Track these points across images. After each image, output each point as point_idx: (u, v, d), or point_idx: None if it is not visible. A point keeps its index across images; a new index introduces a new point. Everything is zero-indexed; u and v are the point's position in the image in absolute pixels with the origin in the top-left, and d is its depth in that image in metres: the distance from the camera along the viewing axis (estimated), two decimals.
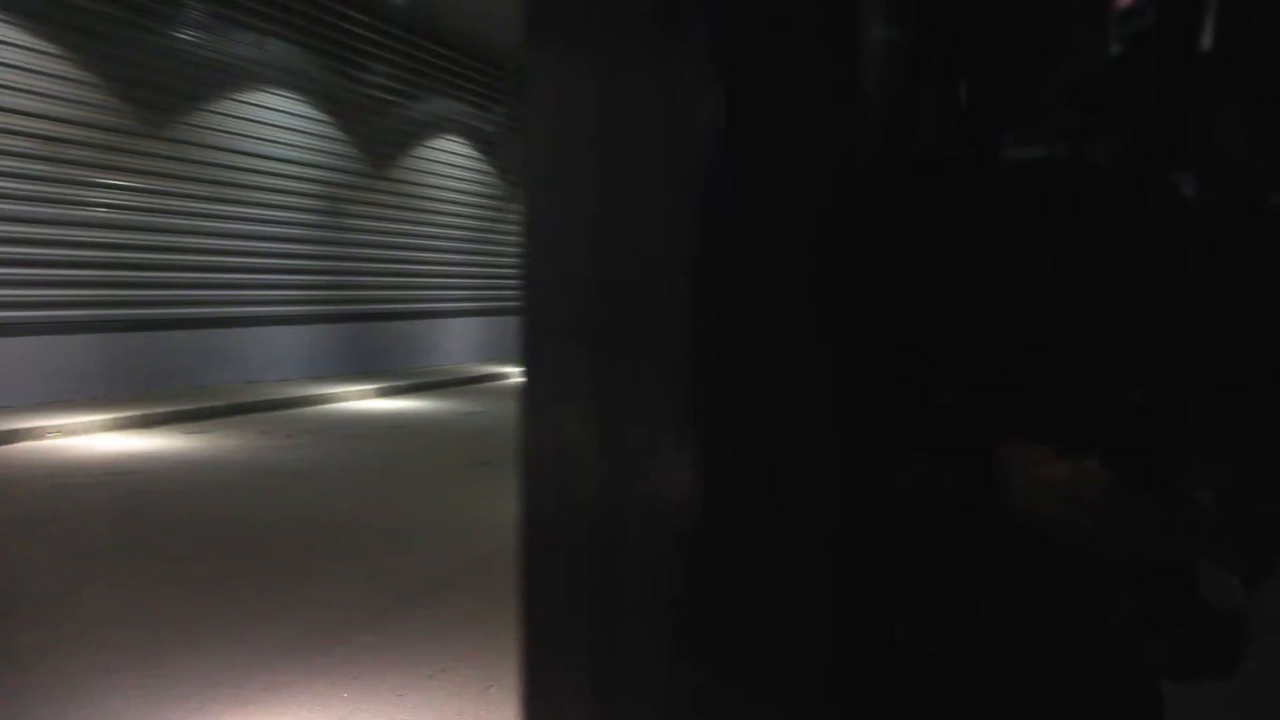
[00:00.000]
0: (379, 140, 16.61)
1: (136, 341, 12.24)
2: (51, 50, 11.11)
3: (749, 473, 0.57)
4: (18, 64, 10.74)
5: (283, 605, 5.10)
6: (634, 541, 0.58)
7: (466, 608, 5.17)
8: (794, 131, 0.57)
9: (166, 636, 4.59)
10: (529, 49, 0.62)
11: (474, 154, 19.37)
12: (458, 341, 18.93)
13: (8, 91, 10.67)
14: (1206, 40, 1.09)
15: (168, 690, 3.97)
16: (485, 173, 19.82)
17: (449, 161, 18.61)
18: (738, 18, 0.56)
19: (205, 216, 13.18)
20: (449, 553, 6.27)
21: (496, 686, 4.07)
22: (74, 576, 5.63)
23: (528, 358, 0.63)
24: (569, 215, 0.60)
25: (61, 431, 9.80)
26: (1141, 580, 1.00)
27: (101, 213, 11.77)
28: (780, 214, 0.57)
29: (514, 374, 17.83)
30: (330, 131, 15.50)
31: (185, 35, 12.84)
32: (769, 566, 0.57)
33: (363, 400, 13.82)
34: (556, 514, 0.62)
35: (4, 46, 10.62)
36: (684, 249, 0.56)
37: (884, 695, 0.63)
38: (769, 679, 0.58)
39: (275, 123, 14.34)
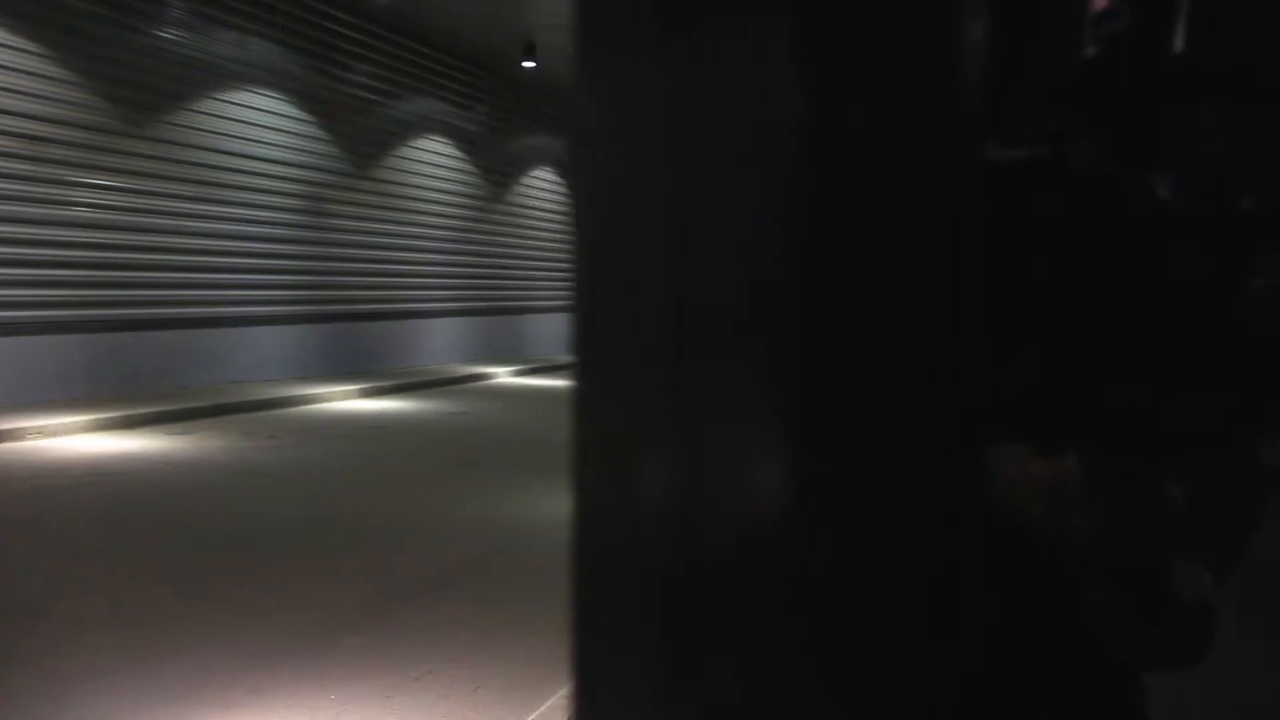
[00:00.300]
0: (362, 140, 16.56)
1: (119, 342, 12.17)
2: (34, 49, 11.03)
3: (850, 476, 0.56)
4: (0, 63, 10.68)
5: (270, 606, 5.08)
6: (711, 541, 0.57)
7: (455, 609, 5.16)
8: (882, 130, 0.57)
9: (154, 639, 4.57)
10: (586, 44, 0.61)
11: (457, 154, 19.34)
12: (441, 342, 18.90)
13: None
14: (1179, 43, 1.10)
15: (157, 693, 3.95)
16: (468, 173, 19.79)
17: (432, 161, 18.57)
18: (823, 13, 0.55)
19: (188, 216, 13.12)
20: (438, 554, 6.25)
21: (484, 688, 4.06)
22: (60, 578, 5.60)
23: (584, 357, 0.62)
24: (642, 217, 0.59)
25: (42, 432, 9.74)
26: (1117, 574, 1.02)
27: (84, 212, 11.70)
28: (875, 215, 0.56)
29: (498, 374, 17.79)
30: (314, 131, 15.45)
31: (169, 34, 12.77)
32: (866, 571, 0.57)
33: (346, 400, 13.78)
34: (616, 512, 0.61)
35: None
36: (778, 253, 0.56)
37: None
38: (852, 682, 0.58)
39: (259, 122, 14.28)
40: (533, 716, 3.45)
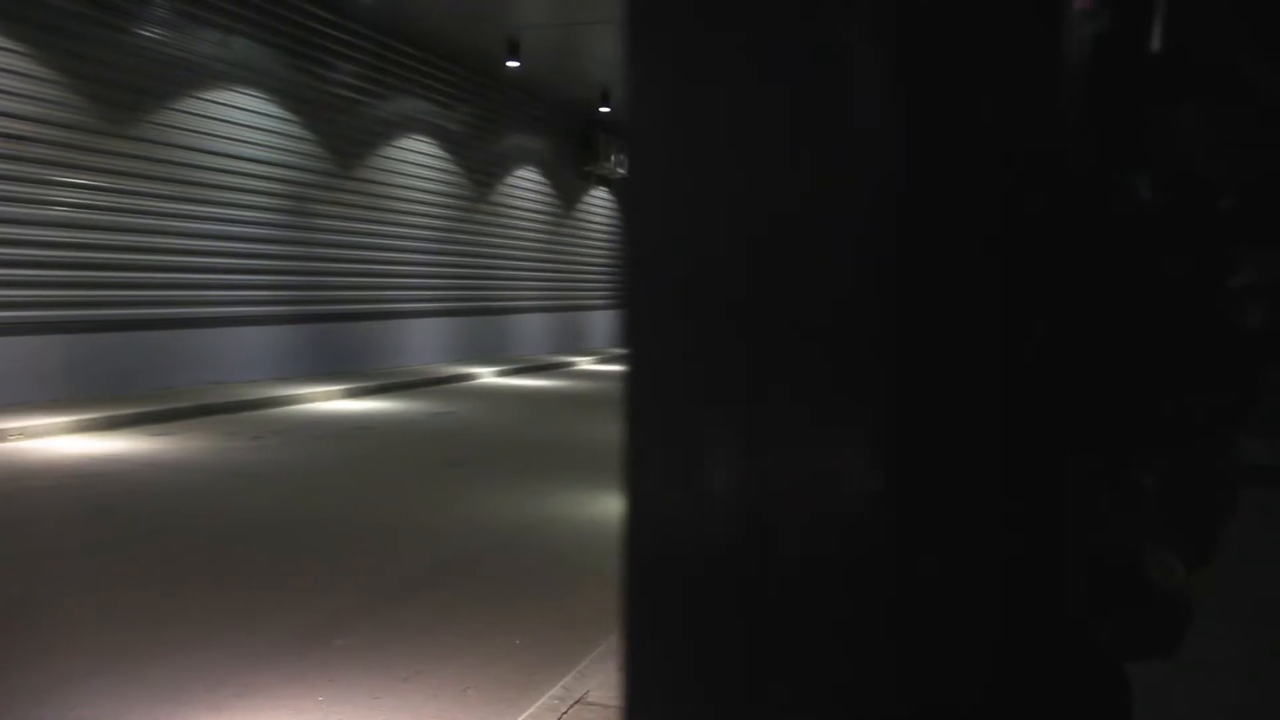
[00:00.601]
0: (345, 139, 16.51)
1: (100, 342, 12.10)
2: (15, 47, 10.96)
3: (954, 472, 0.56)
4: None
5: (256, 608, 5.06)
6: (791, 541, 0.56)
7: (444, 609, 5.16)
8: (987, 135, 0.56)
9: (139, 641, 4.55)
10: (646, 42, 0.60)
11: (441, 154, 19.30)
12: (424, 342, 18.85)
13: None
14: (1158, 42, 1.11)
15: (141, 695, 3.94)
16: (452, 173, 19.75)
17: (416, 161, 18.53)
18: (921, 24, 0.54)
19: (170, 216, 13.05)
20: (425, 554, 6.24)
21: (474, 689, 4.06)
22: (42, 580, 5.56)
23: (639, 354, 0.61)
24: (712, 210, 0.59)
25: (24, 434, 9.68)
26: (1095, 564, 1.03)
27: (65, 212, 11.63)
28: (971, 220, 0.56)
29: (481, 374, 17.76)
30: (296, 131, 15.39)
31: (152, 33, 12.71)
32: (969, 571, 0.56)
33: (330, 401, 13.74)
34: (678, 514, 0.60)
35: None
36: (866, 254, 0.55)
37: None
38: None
39: (241, 121, 14.22)
40: (522, 717, 3.45)
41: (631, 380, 0.65)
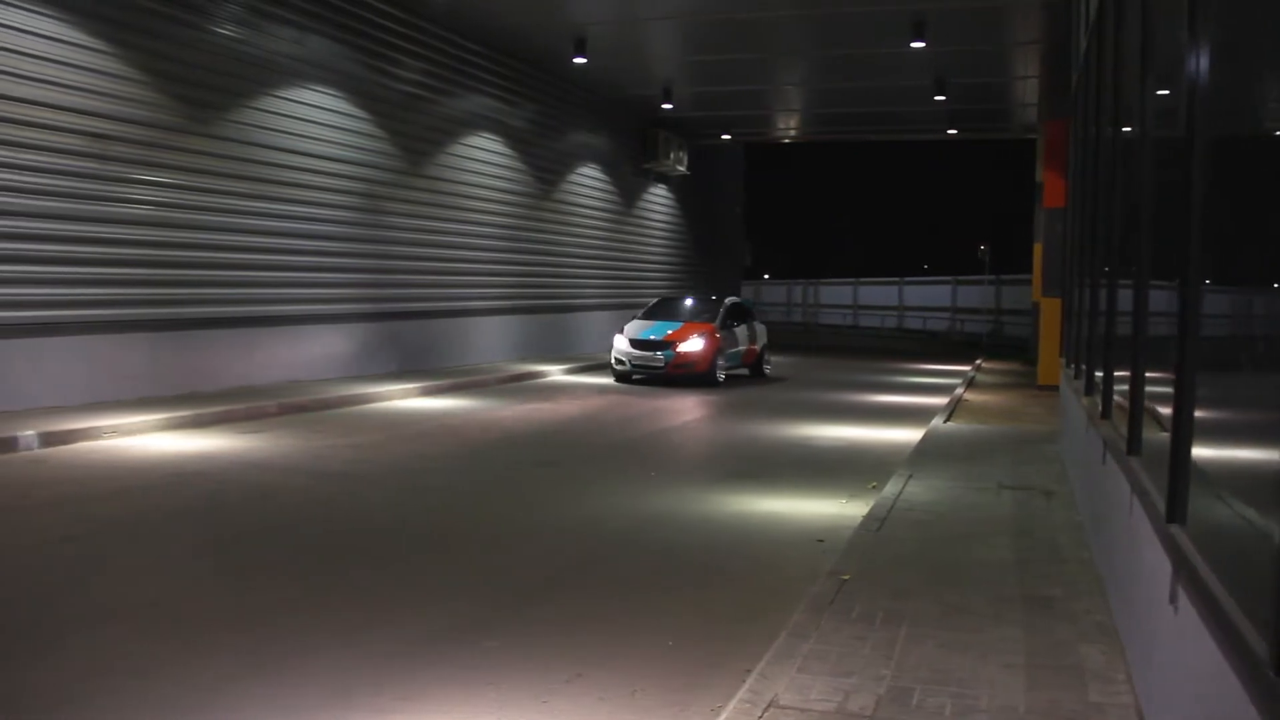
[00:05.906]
0: (415, 137, 16.44)
1: (180, 340, 12.08)
2: (97, 46, 10.95)
3: None
4: (67, 60, 10.58)
5: (392, 608, 4.94)
6: None
7: (579, 608, 5.01)
8: None
9: (283, 642, 4.43)
10: None
11: (508, 150, 19.19)
12: (491, 339, 18.76)
13: (57, 88, 10.50)
14: None
15: (300, 700, 3.81)
16: (518, 170, 19.64)
17: (483, 159, 18.43)
18: None
19: (248, 214, 13.02)
20: (543, 553, 6.10)
21: (641, 691, 3.90)
22: (173, 580, 5.47)
23: None
24: None
25: (117, 431, 9.65)
26: None
27: (147, 210, 11.61)
28: None
29: (550, 372, 17.63)
30: (369, 128, 15.33)
31: (229, 31, 12.68)
32: None
33: (407, 399, 13.66)
34: None
35: (54, 43, 10.46)
36: None
37: None
38: None
39: (316, 119, 14.17)
40: (723, 717, 3.29)
41: None
